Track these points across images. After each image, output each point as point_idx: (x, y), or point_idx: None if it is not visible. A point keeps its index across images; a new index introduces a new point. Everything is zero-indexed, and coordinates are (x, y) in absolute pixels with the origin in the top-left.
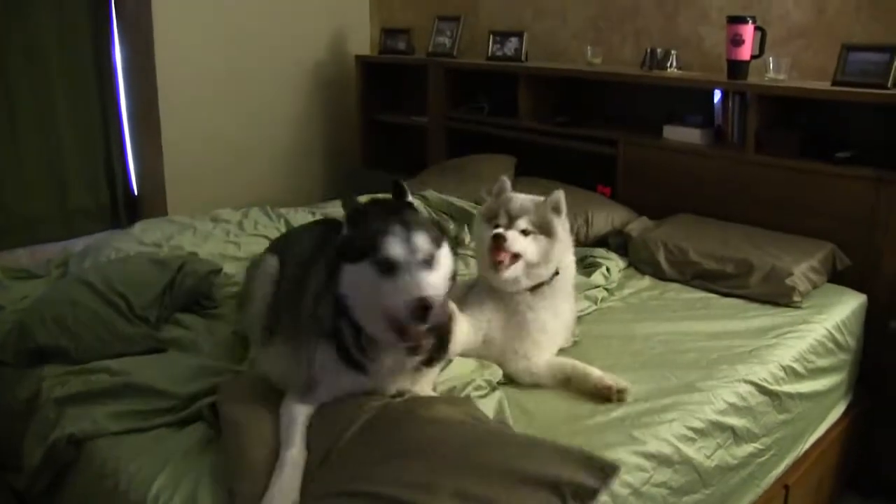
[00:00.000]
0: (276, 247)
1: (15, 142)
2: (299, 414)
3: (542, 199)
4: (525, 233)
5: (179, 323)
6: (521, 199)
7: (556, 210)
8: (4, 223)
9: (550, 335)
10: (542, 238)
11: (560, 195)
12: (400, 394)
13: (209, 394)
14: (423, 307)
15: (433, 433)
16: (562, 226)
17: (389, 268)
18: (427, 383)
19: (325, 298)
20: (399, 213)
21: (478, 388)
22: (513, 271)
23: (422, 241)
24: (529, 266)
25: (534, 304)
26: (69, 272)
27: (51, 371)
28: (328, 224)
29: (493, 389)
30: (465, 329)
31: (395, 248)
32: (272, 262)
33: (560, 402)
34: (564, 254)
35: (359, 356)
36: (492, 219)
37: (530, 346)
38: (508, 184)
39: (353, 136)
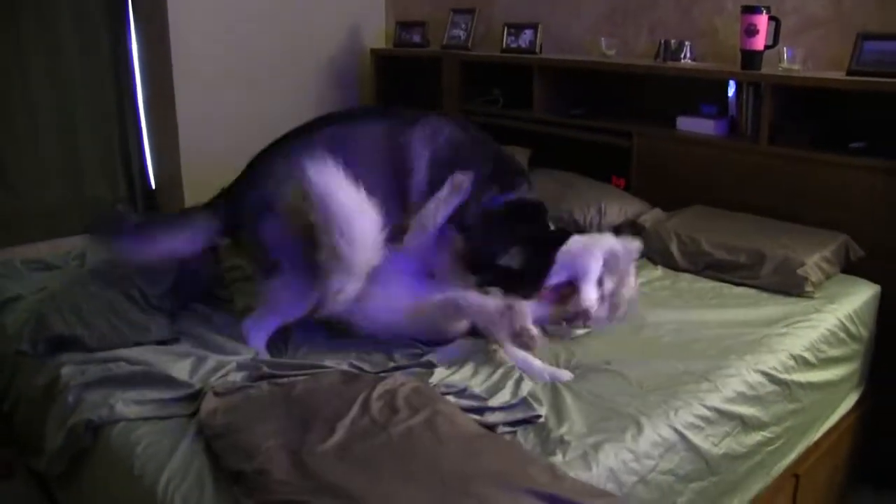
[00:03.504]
0: None
1: (33, 136)
2: None
3: None
4: None
5: (194, 312)
6: None
7: None
8: (24, 216)
9: None
10: None
11: None
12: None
13: None
14: None
15: (448, 437)
16: None
17: None
18: None
19: None
20: None
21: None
22: None
23: None
24: None
25: None
26: (86, 263)
27: (70, 359)
28: None
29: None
30: None
31: None
32: None
33: (568, 387)
34: None
35: None
36: None
37: None
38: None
39: None
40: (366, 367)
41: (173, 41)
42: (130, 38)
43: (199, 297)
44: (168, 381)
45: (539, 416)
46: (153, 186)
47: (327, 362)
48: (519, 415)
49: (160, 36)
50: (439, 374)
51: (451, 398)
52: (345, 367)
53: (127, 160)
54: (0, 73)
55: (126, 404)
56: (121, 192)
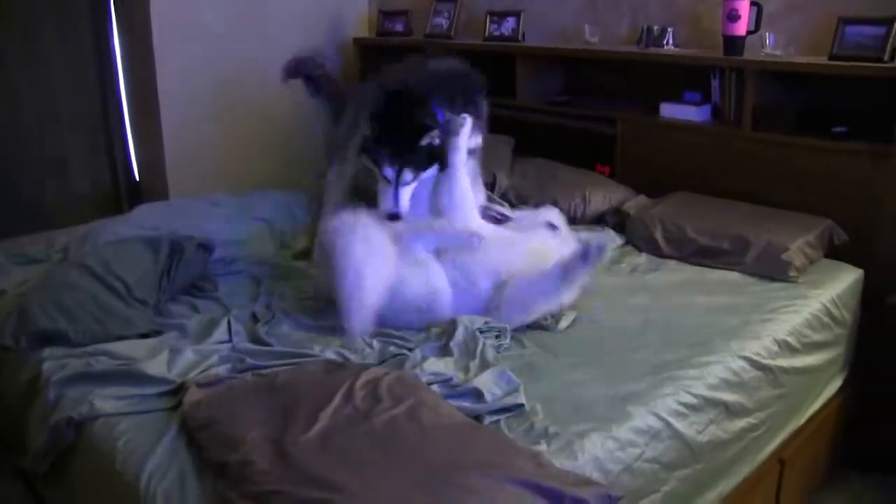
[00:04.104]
0: None
1: (16, 129)
2: None
3: None
4: None
5: (179, 304)
6: None
7: None
8: (8, 210)
9: None
10: None
11: None
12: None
13: None
14: None
15: (435, 429)
16: None
17: None
18: None
19: None
20: None
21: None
22: None
23: None
24: None
25: None
26: (69, 257)
27: (51, 354)
28: None
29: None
30: None
31: None
32: None
33: (553, 376)
34: None
35: None
36: None
37: None
38: None
39: None
40: (350, 355)
41: (155, 35)
42: (113, 34)
43: (185, 290)
44: (148, 376)
45: (522, 405)
46: (137, 178)
47: (312, 349)
48: (504, 402)
49: (143, 29)
50: (423, 363)
51: (435, 388)
52: (329, 355)
53: (111, 154)
54: None
55: (105, 400)
56: (105, 186)
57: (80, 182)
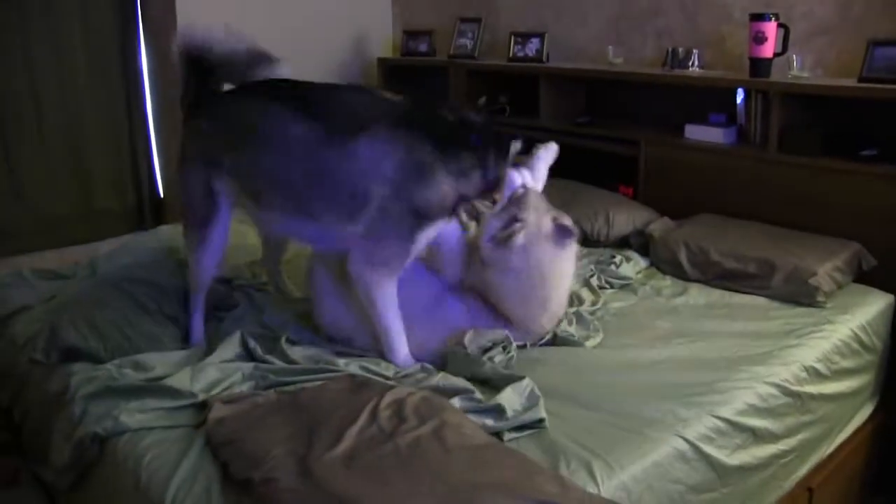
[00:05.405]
0: None
1: (42, 144)
2: None
3: None
4: None
5: (206, 322)
6: None
7: None
8: (32, 225)
9: None
10: None
11: None
12: None
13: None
14: None
15: (458, 447)
16: None
17: None
18: None
19: None
20: None
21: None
22: None
23: None
24: None
25: None
26: (97, 274)
27: (79, 368)
28: None
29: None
30: None
31: None
32: None
33: (576, 395)
34: None
35: None
36: None
37: None
38: None
39: None
40: (374, 367)
41: None
42: (140, 51)
43: (213, 307)
44: (171, 391)
45: (542, 419)
46: (162, 196)
47: (338, 363)
48: (524, 418)
49: (169, 48)
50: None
51: (456, 400)
52: (353, 368)
53: (136, 170)
54: (11, 82)
55: (130, 414)
56: (130, 202)
57: (104, 199)
